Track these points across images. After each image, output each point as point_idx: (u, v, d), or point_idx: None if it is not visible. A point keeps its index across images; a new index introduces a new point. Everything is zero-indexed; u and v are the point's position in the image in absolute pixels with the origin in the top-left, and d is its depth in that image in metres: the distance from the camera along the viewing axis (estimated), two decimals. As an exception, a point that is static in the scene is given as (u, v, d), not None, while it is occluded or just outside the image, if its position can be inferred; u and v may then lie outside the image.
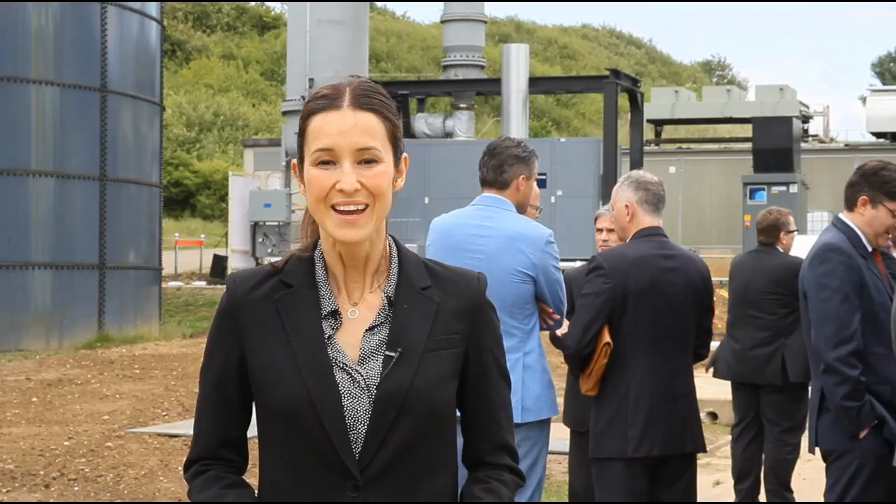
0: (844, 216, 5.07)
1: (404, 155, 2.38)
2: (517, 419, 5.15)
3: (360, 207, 2.26)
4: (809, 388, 7.76)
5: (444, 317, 2.35)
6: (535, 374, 5.25)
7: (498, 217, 5.33)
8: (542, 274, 5.25)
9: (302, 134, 2.32)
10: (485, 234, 5.28)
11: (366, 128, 2.28)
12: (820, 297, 4.92)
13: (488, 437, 2.43)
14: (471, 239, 5.29)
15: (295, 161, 2.36)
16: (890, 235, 5.03)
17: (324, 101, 2.31)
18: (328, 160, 2.27)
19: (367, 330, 2.32)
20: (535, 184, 5.58)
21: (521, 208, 5.47)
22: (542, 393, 5.26)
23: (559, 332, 5.47)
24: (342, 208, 2.26)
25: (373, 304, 2.35)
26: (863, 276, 4.90)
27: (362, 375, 2.29)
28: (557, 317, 5.36)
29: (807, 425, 7.87)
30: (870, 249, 4.99)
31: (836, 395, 4.85)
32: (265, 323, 2.34)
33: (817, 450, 5.10)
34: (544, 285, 5.27)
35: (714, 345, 8.02)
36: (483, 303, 2.42)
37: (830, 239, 5.00)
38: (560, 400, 5.88)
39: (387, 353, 2.30)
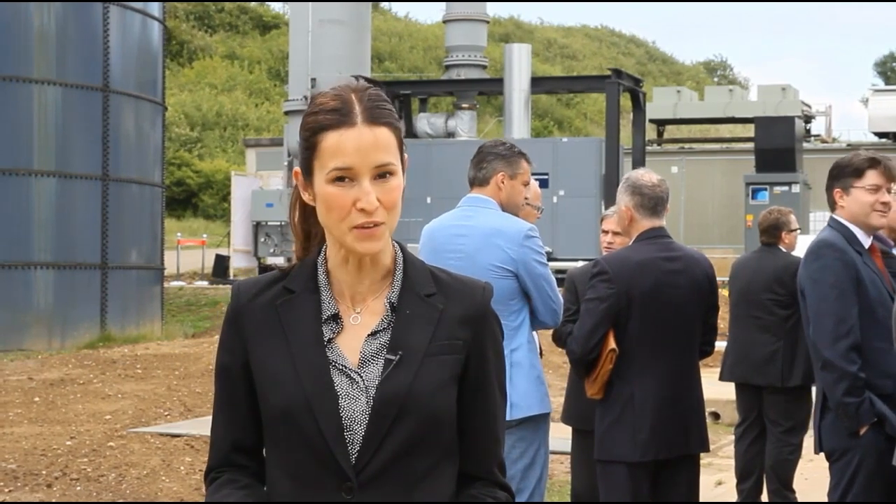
0: (835, 215, 5.13)
1: (405, 156, 2.36)
2: (506, 416, 5.12)
3: (379, 223, 2.26)
4: (813, 389, 7.82)
5: (447, 323, 2.34)
6: (523, 370, 5.21)
7: (477, 216, 5.31)
8: (522, 268, 5.20)
9: (312, 148, 2.28)
10: (464, 234, 5.27)
11: (382, 144, 2.26)
12: (816, 293, 4.96)
13: (485, 452, 2.40)
14: (451, 239, 5.29)
15: (297, 169, 2.34)
16: (882, 213, 5.05)
17: (336, 115, 2.26)
18: (345, 177, 2.25)
19: (369, 335, 2.32)
20: (530, 185, 5.52)
21: (509, 209, 5.40)
22: (530, 389, 5.22)
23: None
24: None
25: (376, 310, 2.34)
26: (858, 272, 4.93)
27: (361, 377, 2.29)
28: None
29: (810, 425, 7.92)
30: (866, 245, 5.03)
31: (835, 392, 4.86)
32: (267, 328, 2.34)
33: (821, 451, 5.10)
34: (528, 281, 5.21)
35: (722, 345, 8.04)
36: (487, 313, 2.40)
37: (825, 236, 5.07)
38: (560, 399, 5.88)
39: (387, 356, 2.29)
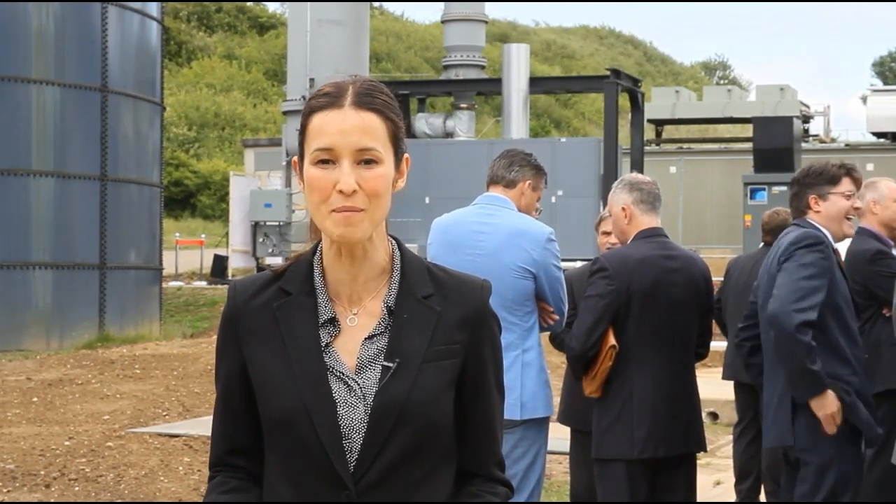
0: (809, 218, 5.23)
1: (406, 156, 2.34)
2: (516, 416, 5.15)
3: (358, 208, 2.23)
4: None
5: (445, 326, 2.32)
6: (533, 370, 5.25)
7: (498, 214, 5.35)
8: (542, 271, 5.26)
9: (303, 131, 2.29)
10: (485, 231, 5.30)
11: (367, 128, 2.24)
12: (791, 271, 4.96)
13: (484, 450, 2.40)
14: (470, 236, 5.30)
15: (296, 159, 2.34)
16: (851, 221, 5.26)
17: (325, 98, 2.27)
18: (327, 159, 2.24)
19: (366, 338, 2.30)
20: (539, 196, 5.61)
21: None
22: (538, 391, 5.27)
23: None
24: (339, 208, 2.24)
25: (373, 312, 2.32)
26: (833, 270, 5.03)
27: (359, 384, 2.27)
28: (557, 317, 5.36)
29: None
30: (834, 247, 5.14)
31: (796, 360, 4.83)
32: (264, 332, 2.33)
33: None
34: (545, 283, 5.27)
35: (723, 345, 8.03)
36: (485, 313, 2.38)
37: (810, 231, 5.11)
38: (557, 399, 5.88)
39: (384, 363, 2.28)
